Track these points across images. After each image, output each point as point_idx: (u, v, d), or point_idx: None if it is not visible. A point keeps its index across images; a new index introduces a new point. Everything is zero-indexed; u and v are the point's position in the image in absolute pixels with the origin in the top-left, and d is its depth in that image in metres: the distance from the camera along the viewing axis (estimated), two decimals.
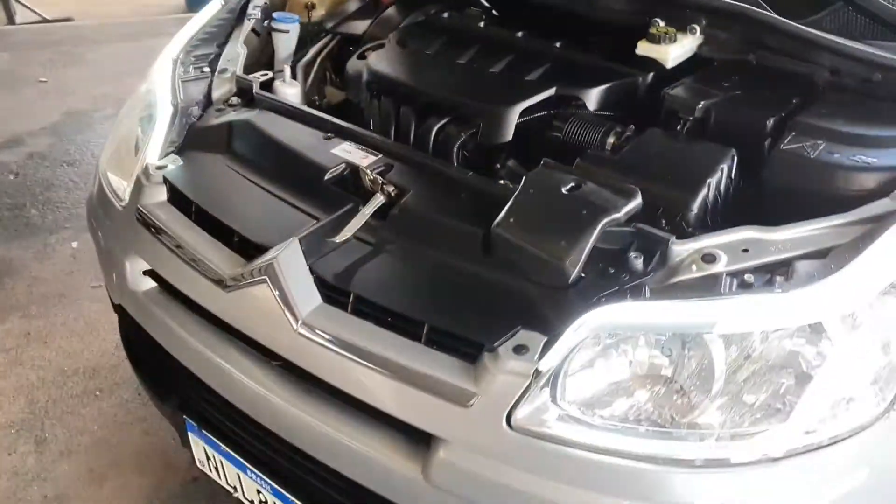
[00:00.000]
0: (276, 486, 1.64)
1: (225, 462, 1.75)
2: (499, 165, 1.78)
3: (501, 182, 1.63)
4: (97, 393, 2.52)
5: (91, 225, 1.99)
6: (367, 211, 1.54)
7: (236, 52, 2.08)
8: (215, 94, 1.98)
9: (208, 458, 1.80)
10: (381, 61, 1.98)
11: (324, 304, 1.45)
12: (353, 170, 1.64)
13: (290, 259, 1.46)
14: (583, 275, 1.36)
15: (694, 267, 1.34)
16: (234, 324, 1.55)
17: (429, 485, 1.35)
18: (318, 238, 1.51)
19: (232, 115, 1.89)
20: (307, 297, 1.45)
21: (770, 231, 1.37)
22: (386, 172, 1.61)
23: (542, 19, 2.07)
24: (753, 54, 1.81)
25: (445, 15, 2.17)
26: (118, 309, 1.94)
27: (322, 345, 1.42)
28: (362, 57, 2.10)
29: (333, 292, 1.46)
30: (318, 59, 2.25)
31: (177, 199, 1.74)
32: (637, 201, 1.41)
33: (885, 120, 1.58)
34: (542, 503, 1.28)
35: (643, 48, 1.82)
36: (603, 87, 1.79)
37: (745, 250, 1.35)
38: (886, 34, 1.77)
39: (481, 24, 2.11)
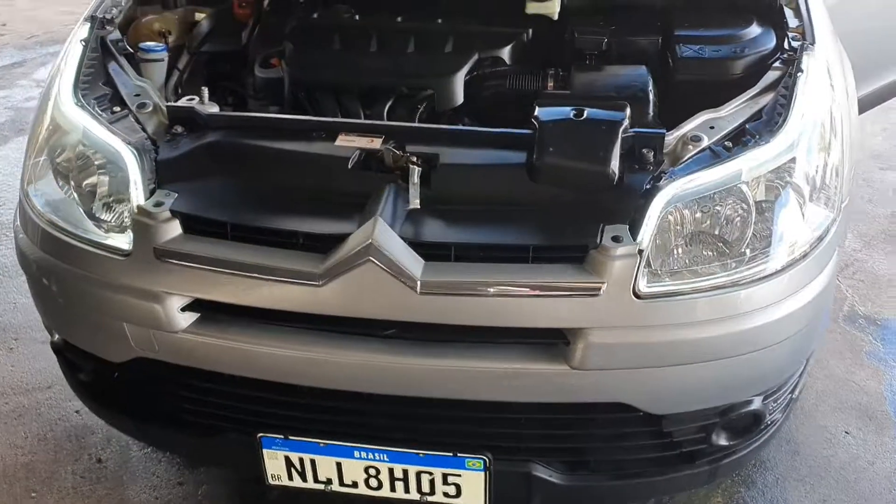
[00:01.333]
0: (395, 450, 1.76)
1: (318, 459, 1.81)
2: (460, 125, 2.05)
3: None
4: (33, 494, 2.27)
5: (56, 292, 1.86)
6: (415, 180, 1.73)
7: (139, 87, 2.03)
8: (149, 129, 1.94)
9: (291, 466, 1.84)
10: (299, 63, 2.12)
11: (428, 262, 1.64)
12: (369, 154, 1.80)
13: (384, 234, 1.61)
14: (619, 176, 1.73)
15: (690, 147, 1.78)
16: (339, 312, 1.65)
17: (578, 371, 1.64)
18: (393, 212, 1.68)
19: (190, 143, 1.89)
20: (413, 261, 1.62)
21: (718, 111, 1.86)
22: (402, 147, 1.80)
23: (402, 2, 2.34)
24: None
25: (316, 15, 2.33)
26: (124, 368, 1.86)
27: (449, 294, 1.61)
28: (267, 65, 2.20)
29: (432, 250, 1.65)
30: (184, 80, 2.29)
31: (197, 227, 1.73)
32: (629, 111, 1.80)
33: (730, 24, 2.16)
34: (668, 346, 1.65)
35: (532, 7, 2.20)
36: (512, 44, 2.15)
37: (712, 127, 1.82)
38: None
39: (357, 17, 2.31)
